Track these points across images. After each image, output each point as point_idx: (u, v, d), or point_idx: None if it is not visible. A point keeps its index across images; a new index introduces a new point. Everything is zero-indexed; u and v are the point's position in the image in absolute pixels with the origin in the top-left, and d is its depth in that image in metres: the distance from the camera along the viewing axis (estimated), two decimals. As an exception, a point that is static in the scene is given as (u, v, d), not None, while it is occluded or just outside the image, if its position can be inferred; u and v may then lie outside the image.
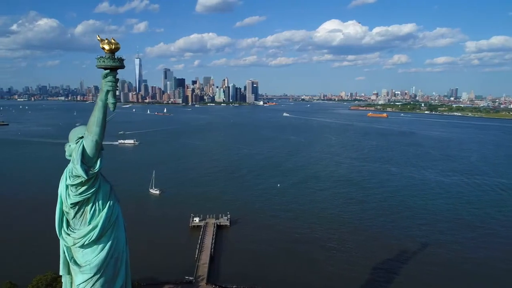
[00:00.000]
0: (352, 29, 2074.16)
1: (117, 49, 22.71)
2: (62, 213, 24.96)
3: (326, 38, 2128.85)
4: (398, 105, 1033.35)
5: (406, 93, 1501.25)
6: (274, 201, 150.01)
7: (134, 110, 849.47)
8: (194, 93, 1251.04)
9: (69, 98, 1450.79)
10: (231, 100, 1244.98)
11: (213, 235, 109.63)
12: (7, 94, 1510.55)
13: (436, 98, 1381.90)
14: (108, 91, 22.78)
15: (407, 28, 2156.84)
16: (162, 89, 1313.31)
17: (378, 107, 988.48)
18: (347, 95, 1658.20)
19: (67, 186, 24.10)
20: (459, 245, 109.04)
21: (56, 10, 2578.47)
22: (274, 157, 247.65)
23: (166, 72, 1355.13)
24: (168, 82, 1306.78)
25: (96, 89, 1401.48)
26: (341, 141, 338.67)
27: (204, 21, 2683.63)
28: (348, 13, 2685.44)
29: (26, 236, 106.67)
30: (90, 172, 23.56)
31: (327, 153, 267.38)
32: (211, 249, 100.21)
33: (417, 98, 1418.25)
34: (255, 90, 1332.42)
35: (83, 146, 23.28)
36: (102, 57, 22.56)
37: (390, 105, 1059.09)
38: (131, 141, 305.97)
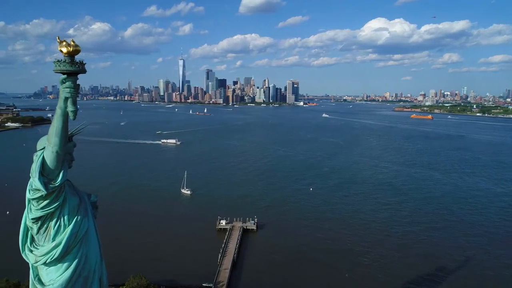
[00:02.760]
0: (399, 27, 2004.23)
1: (76, 51, 20.49)
2: (26, 227, 23.32)
3: (371, 37, 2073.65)
4: (447, 106, 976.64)
5: (456, 94, 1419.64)
6: (305, 205, 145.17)
7: (176, 110, 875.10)
8: (235, 94, 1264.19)
9: (118, 97, 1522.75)
10: (271, 101, 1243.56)
11: (237, 240, 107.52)
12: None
13: (490, 99, 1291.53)
14: (66, 98, 20.62)
15: (459, 25, 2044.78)
16: (204, 89, 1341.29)
17: (425, 108, 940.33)
18: (392, 96, 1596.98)
19: (29, 200, 22.36)
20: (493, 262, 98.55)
21: (108, 14, 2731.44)
22: (310, 159, 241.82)
23: (208, 73, 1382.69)
24: (210, 83, 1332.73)
25: (142, 89, 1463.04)
26: (382, 144, 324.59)
27: (247, 22, 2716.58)
28: (395, 10, 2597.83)
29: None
30: (51, 185, 21.58)
31: (366, 156, 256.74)
32: (234, 254, 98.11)
33: (468, 99, 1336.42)
34: (295, 90, 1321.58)
35: (43, 157, 21.39)
36: (59, 60, 20.44)
37: (438, 106, 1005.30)
38: (173, 141, 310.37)
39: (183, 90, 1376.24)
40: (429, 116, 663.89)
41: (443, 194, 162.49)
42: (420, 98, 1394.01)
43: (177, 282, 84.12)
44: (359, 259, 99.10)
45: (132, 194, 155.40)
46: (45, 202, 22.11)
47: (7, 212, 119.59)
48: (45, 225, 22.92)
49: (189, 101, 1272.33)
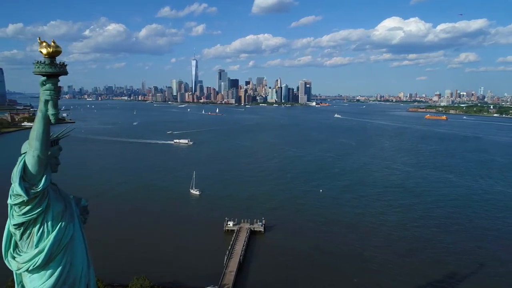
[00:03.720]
0: (414, 26, 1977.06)
1: (57, 53, 19.79)
2: (10, 234, 22.73)
3: (385, 36, 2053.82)
4: (463, 107, 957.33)
5: (473, 94, 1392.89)
6: (314, 207, 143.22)
7: (189, 110, 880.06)
8: (247, 94, 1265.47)
9: (132, 98, 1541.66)
10: (283, 101, 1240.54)
11: (244, 241, 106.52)
12: (78, 94, 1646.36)
13: (508, 100, 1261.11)
14: (47, 101, 19.92)
15: (476, 24, 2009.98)
16: (217, 89, 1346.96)
17: (440, 109, 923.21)
18: (406, 96, 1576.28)
19: (10, 206, 21.73)
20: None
21: (123, 15, 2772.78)
22: (320, 160, 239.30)
23: (221, 73, 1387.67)
24: (222, 83, 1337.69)
25: (156, 89, 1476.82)
26: (395, 145, 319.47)
27: (260, 22, 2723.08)
28: (410, 9, 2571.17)
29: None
30: (32, 191, 20.92)
31: (378, 158, 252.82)
32: (240, 256, 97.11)
33: (485, 99, 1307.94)
34: (307, 90, 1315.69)
35: (24, 162, 20.74)
36: (39, 62, 19.72)
37: (454, 107, 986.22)
38: (185, 141, 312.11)
39: (195, 90, 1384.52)
40: (443, 117, 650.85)
41: (456, 197, 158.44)
42: (435, 98, 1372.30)
43: (181, 284, 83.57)
44: (368, 264, 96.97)
45: (141, 194, 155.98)
46: (27, 208, 21.46)
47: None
48: (28, 231, 22.29)
49: (201, 101, 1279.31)
